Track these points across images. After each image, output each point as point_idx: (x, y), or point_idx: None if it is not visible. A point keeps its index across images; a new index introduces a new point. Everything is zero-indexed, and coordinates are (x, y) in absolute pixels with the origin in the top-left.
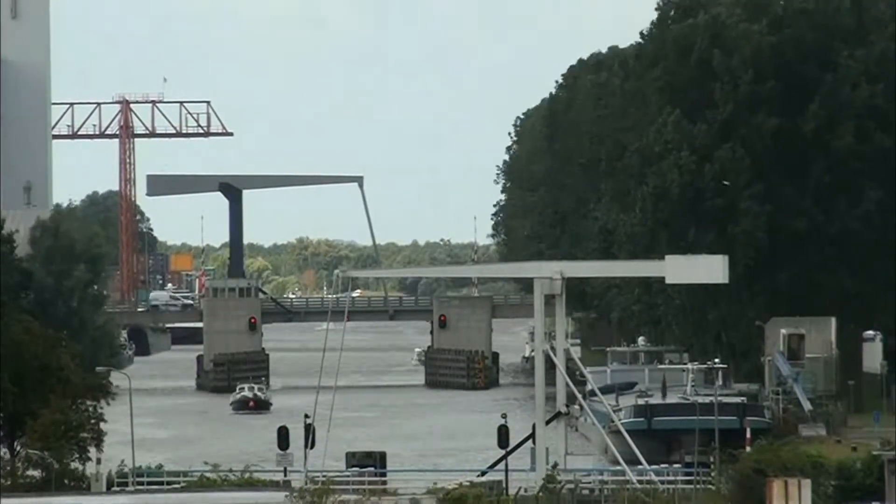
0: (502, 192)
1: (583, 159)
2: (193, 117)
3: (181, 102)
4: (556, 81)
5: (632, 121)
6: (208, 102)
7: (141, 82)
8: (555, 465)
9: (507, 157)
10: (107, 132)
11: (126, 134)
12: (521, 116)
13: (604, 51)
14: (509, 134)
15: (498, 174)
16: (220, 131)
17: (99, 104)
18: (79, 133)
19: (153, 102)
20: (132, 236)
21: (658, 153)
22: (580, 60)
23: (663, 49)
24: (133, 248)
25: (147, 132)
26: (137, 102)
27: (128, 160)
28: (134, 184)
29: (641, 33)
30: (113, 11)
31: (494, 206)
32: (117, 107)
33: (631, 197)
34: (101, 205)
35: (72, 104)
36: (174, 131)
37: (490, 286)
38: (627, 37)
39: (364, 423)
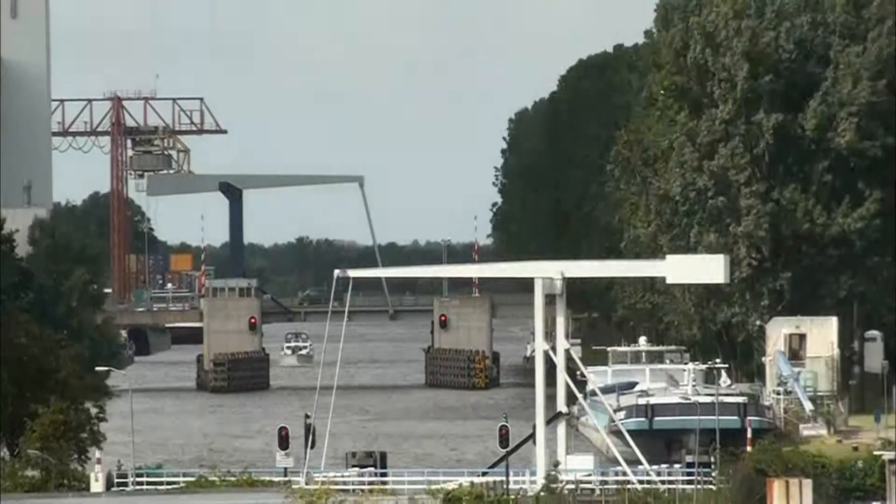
0: (500, 191)
1: (584, 157)
2: (186, 114)
3: (174, 99)
4: (559, 80)
5: (635, 120)
6: (202, 99)
7: (133, 78)
8: (551, 471)
9: (505, 157)
10: (98, 129)
11: (118, 131)
12: (513, 118)
13: (608, 50)
14: (504, 138)
15: (497, 176)
16: (213, 129)
17: (90, 101)
18: (70, 130)
19: (145, 99)
20: (124, 236)
21: (662, 152)
22: (581, 60)
23: (660, 51)
24: (126, 248)
25: (139, 129)
26: (129, 99)
27: (119, 158)
28: (126, 182)
29: (646, 32)
30: (103, 6)
31: (493, 205)
32: (109, 103)
33: (636, 198)
34: (102, 205)
35: (62, 101)
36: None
37: (490, 286)
38: (629, 37)
39: (364, 422)
